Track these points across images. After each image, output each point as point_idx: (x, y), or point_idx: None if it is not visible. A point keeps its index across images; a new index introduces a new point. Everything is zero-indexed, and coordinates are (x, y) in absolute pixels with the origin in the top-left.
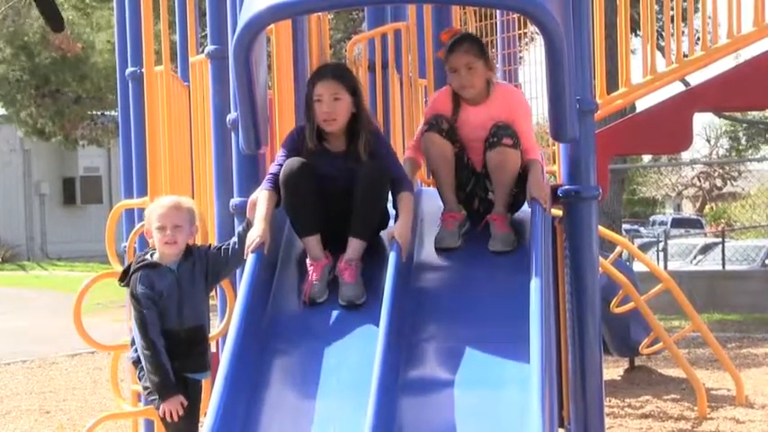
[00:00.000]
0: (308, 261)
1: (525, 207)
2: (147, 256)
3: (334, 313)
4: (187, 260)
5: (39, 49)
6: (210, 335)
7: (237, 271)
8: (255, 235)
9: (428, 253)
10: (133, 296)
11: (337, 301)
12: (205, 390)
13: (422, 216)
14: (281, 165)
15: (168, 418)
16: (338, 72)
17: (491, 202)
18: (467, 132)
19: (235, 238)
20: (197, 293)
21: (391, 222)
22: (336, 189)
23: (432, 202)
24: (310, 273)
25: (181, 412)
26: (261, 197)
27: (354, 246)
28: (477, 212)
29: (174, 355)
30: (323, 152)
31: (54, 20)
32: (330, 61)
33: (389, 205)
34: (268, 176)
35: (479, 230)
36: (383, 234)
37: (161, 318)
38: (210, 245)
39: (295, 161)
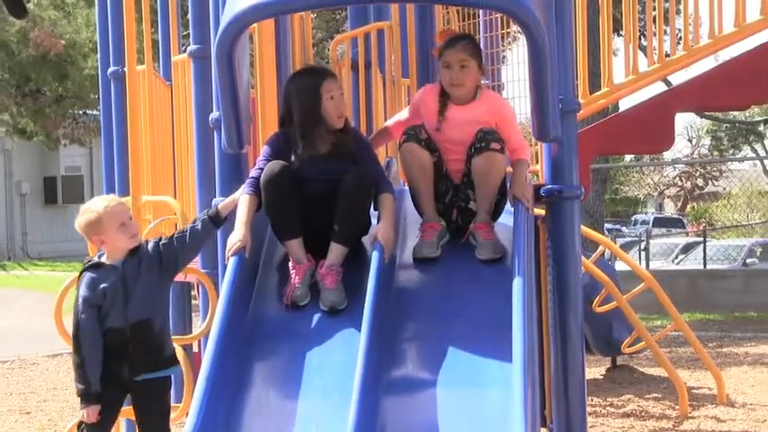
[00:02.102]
0: (290, 264)
1: (507, 210)
2: (95, 258)
3: (317, 315)
4: (133, 256)
5: (19, 48)
6: (192, 335)
7: (220, 273)
8: (236, 239)
9: (411, 253)
10: (76, 299)
11: (314, 304)
12: (187, 389)
13: (404, 216)
14: (261, 169)
15: (86, 421)
16: (332, 70)
17: (471, 213)
18: (449, 130)
19: (190, 225)
20: (146, 289)
21: (374, 221)
22: (318, 191)
23: None
24: (293, 276)
25: (95, 420)
26: (241, 201)
27: (336, 251)
28: (456, 224)
29: (121, 357)
30: (309, 156)
31: (15, 6)
32: (311, 63)
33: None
34: (249, 180)
35: (462, 242)
36: (365, 238)
37: (106, 317)
38: (161, 237)
39: (276, 164)
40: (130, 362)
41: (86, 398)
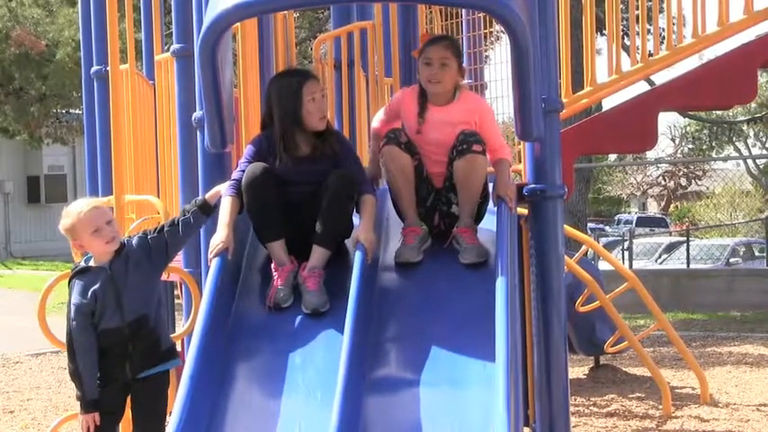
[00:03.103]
0: (272, 266)
1: (490, 210)
2: (82, 262)
3: (300, 316)
4: (119, 255)
5: (2, 47)
6: (176, 334)
7: (203, 272)
8: (219, 240)
9: (393, 253)
10: (68, 306)
11: (297, 304)
12: (172, 384)
13: (387, 215)
14: (243, 171)
15: (83, 427)
16: (314, 72)
17: (454, 216)
18: (429, 132)
19: (180, 216)
20: (136, 285)
21: (356, 221)
22: (301, 193)
23: None
24: (275, 278)
25: (92, 428)
26: (224, 203)
27: (318, 254)
28: (439, 228)
29: (122, 356)
30: (290, 158)
31: None
32: (293, 62)
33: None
34: (231, 182)
35: (446, 247)
36: (347, 241)
37: (101, 319)
38: (146, 231)
39: (257, 167)
40: (131, 360)
41: (84, 406)
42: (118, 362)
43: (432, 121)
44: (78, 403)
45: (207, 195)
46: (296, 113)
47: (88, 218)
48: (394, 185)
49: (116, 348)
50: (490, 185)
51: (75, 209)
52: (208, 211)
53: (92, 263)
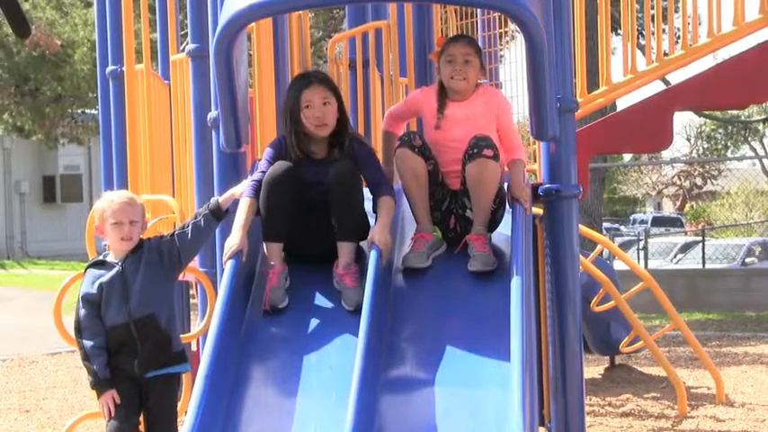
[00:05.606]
0: (263, 269)
1: (504, 219)
2: (100, 257)
3: (313, 316)
4: (135, 253)
5: (18, 48)
6: (191, 333)
7: (218, 272)
8: (233, 242)
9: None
10: (78, 295)
11: (312, 305)
12: (185, 388)
13: (402, 216)
14: (263, 172)
15: (105, 412)
16: (323, 77)
17: (469, 221)
18: (449, 128)
19: (192, 220)
20: (145, 284)
21: (371, 221)
22: (318, 195)
23: None
24: (269, 279)
25: (112, 406)
26: (241, 204)
27: (346, 249)
28: (455, 232)
29: (130, 353)
30: (306, 160)
31: (19, 24)
32: (309, 68)
33: (369, 208)
34: (250, 183)
35: (457, 252)
36: (362, 243)
37: (107, 312)
38: (162, 235)
39: (282, 164)
40: (140, 358)
41: (97, 386)
42: (126, 358)
43: (451, 116)
44: (95, 394)
45: (221, 198)
46: (294, 119)
47: (117, 210)
48: (407, 189)
49: (124, 345)
50: (505, 185)
51: (110, 196)
52: (220, 216)
53: (109, 258)
